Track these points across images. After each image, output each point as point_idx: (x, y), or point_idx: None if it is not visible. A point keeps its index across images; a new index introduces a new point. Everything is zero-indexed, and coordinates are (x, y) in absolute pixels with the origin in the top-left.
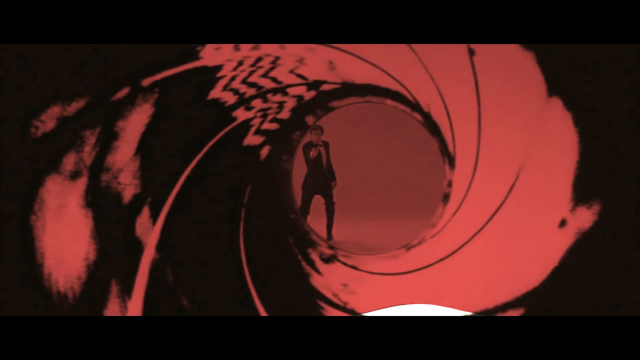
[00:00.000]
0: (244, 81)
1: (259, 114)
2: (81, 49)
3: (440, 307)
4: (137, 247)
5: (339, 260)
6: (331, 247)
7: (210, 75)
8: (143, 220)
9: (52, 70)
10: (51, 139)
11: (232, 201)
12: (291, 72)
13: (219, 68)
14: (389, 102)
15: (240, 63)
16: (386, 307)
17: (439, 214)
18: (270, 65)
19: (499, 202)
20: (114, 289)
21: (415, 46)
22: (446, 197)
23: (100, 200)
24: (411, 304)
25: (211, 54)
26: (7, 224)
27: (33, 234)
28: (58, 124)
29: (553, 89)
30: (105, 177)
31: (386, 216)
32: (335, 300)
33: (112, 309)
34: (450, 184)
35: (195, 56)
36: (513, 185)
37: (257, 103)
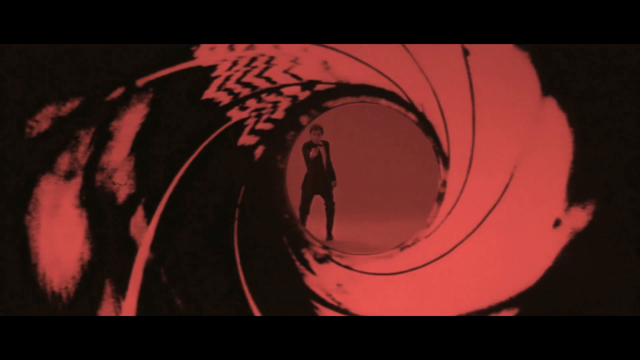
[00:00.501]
0: (238, 81)
1: (254, 114)
2: (76, 49)
3: (435, 307)
4: (131, 247)
5: (333, 260)
6: (325, 247)
7: (204, 75)
8: (137, 220)
9: (46, 71)
10: (46, 139)
11: (226, 201)
12: (285, 72)
13: (213, 68)
14: (383, 102)
15: (234, 63)
16: (380, 308)
17: (434, 214)
18: (264, 65)
19: (493, 202)
20: (109, 289)
21: (409, 46)
22: (440, 197)
23: (95, 200)
24: (405, 304)
25: (206, 54)
26: (1, 223)
27: (27, 234)
28: (53, 124)
29: (547, 88)
30: (99, 177)
31: (381, 216)
32: (329, 300)
33: (107, 309)
34: (444, 184)
35: (189, 56)
36: (507, 185)
37: (252, 103)
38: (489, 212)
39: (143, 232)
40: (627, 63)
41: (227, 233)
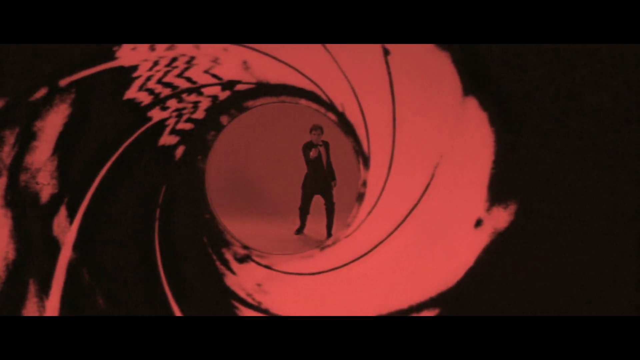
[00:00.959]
0: (159, 81)
1: (174, 114)
2: None
3: (355, 307)
4: (54, 247)
5: (253, 260)
6: (245, 247)
7: (126, 75)
8: (60, 219)
9: None
10: None
11: (147, 201)
12: (206, 72)
13: (135, 68)
14: (303, 101)
15: (155, 63)
16: (300, 308)
17: (354, 214)
18: (185, 66)
19: (413, 202)
20: (32, 288)
21: (329, 46)
22: (361, 197)
23: (19, 200)
24: (326, 304)
25: (127, 54)
26: None
27: None
28: None
29: (469, 88)
30: (24, 176)
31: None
32: (249, 300)
33: (31, 309)
34: (364, 184)
35: (111, 56)
36: (428, 185)
37: (173, 103)
38: (410, 212)
39: (66, 231)
40: (548, 62)
41: (149, 233)
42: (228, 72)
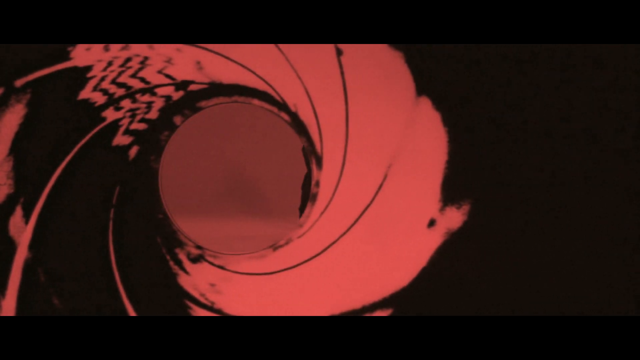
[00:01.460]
0: (113, 81)
1: (128, 114)
2: None
3: (308, 308)
4: (10, 247)
5: (206, 260)
6: (198, 247)
7: (80, 75)
8: (16, 219)
9: None
10: None
11: (101, 201)
12: (159, 72)
13: (89, 68)
14: (256, 102)
15: (109, 63)
16: (254, 308)
17: (307, 214)
18: (139, 66)
19: (366, 202)
20: None
21: (282, 46)
22: (314, 197)
23: None
24: (279, 304)
25: (82, 55)
26: None
27: None
28: None
29: (421, 89)
30: None
31: (253, 216)
32: (202, 300)
33: None
34: (317, 184)
35: (66, 57)
36: (381, 185)
37: (126, 103)
38: (363, 212)
39: (22, 231)
40: (500, 62)
41: (103, 233)
42: (181, 72)
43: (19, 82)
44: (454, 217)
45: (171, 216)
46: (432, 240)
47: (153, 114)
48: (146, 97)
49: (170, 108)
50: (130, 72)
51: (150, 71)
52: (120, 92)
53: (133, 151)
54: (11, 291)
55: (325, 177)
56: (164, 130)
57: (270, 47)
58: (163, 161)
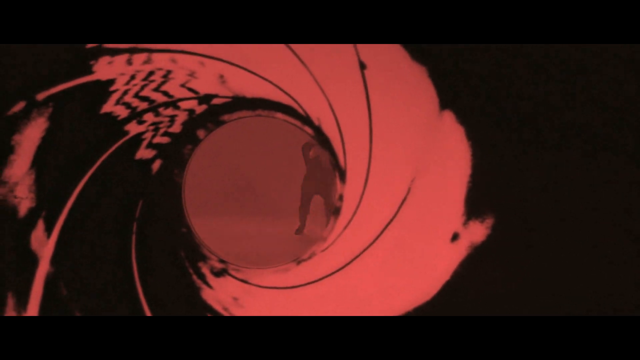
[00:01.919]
0: (136, 95)
1: (151, 127)
2: None
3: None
4: (32, 261)
5: (229, 274)
6: (222, 261)
7: (103, 89)
8: (38, 233)
9: None
10: None
11: (124, 215)
12: (182, 85)
13: (112, 82)
14: (279, 115)
15: (132, 77)
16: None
17: (330, 228)
18: (162, 79)
19: (390, 216)
20: (10, 302)
21: (305, 60)
22: (337, 211)
23: None
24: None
25: (104, 68)
26: None
27: None
28: None
29: (445, 103)
30: (2, 190)
31: (278, 229)
32: (225, 314)
33: None
34: (341, 198)
35: (88, 70)
36: (405, 199)
37: (149, 117)
38: (386, 226)
39: (44, 245)
40: (526, 76)
41: (125, 247)
42: (204, 86)
43: (40, 96)
44: (478, 231)
45: (194, 230)
46: (456, 254)
47: (176, 128)
48: (169, 111)
49: (194, 122)
50: (153, 85)
51: (173, 85)
52: (143, 105)
53: (156, 165)
54: (32, 306)
55: (349, 191)
56: (187, 144)
57: (294, 61)
58: (186, 175)
